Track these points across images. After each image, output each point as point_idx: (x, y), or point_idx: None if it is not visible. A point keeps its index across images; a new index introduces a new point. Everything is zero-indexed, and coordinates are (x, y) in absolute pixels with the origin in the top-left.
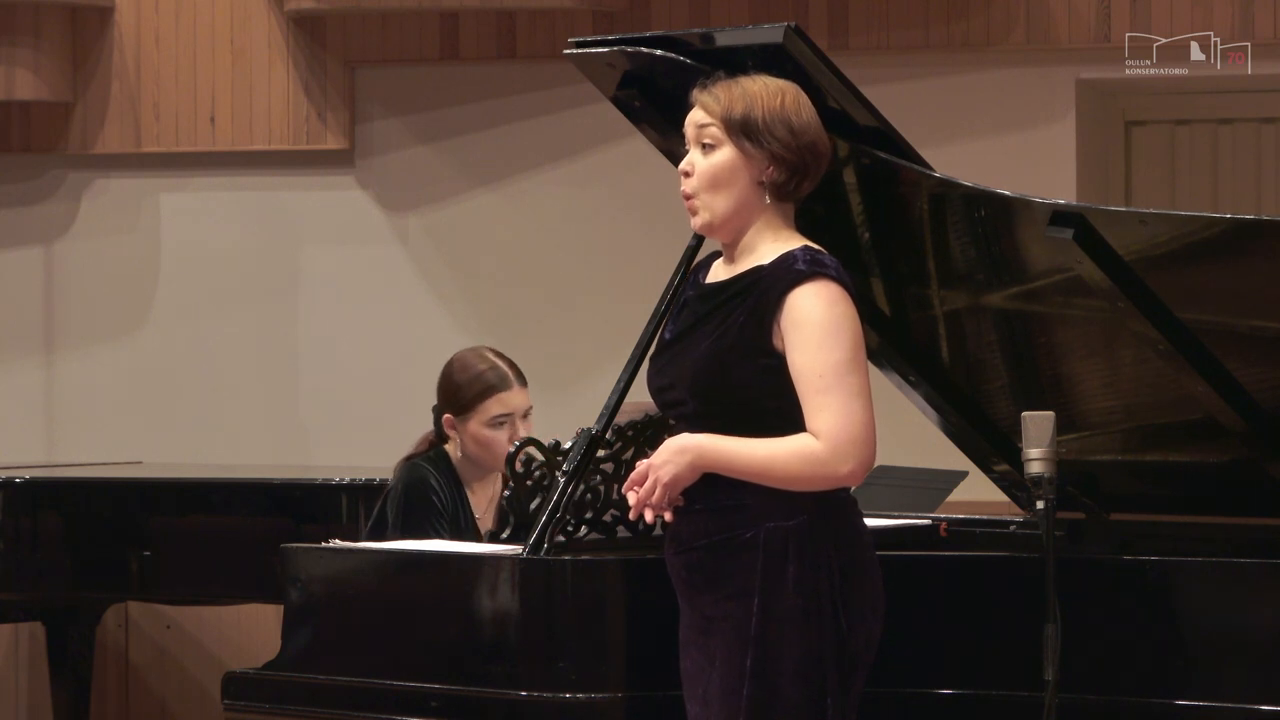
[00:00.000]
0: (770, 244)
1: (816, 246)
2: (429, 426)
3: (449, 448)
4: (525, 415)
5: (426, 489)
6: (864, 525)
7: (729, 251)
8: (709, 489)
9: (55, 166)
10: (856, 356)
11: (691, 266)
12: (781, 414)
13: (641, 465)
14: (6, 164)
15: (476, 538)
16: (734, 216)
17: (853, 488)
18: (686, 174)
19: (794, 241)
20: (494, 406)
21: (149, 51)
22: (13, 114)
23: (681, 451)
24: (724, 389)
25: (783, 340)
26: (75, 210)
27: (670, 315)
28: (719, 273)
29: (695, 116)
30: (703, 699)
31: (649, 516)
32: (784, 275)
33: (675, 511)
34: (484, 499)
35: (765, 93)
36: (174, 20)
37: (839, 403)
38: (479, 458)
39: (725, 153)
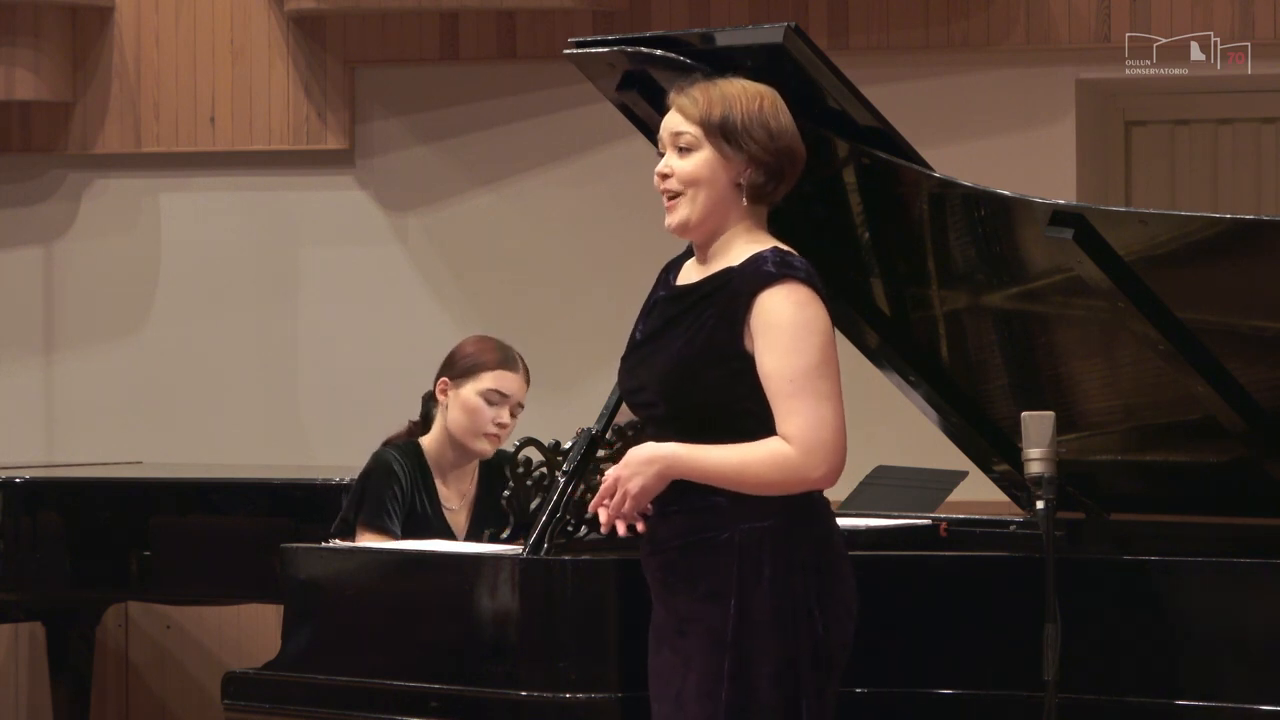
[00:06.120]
0: (742, 245)
1: (787, 248)
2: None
3: (425, 440)
4: (517, 409)
5: (388, 473)
6: (836, 525)
7: (701, 252)
8: (681, 492)
9: (55, 166)
10: (826, 359)
11: (664, 266)
12: (754, 416)
13: (609, 478)
14: (6, 164)
15: (445, 530)
16: (710, 218)
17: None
18: (665, 176)
19: (765, 243)
20: (493, 380)
21: (149, 51)
22: (13, 114)
23: (649, 462)
24: (695, 392)
25: (753, 342)
26: (75, 210)
27: (641, 315)
28: (690, 274)
29: (671, 122)
30: (675, 700)
31: (621, 529)
32: (753, 277)
33: (647, 517)
34: (456, 494)
35: (744, 95)
36: (174, 20)
37: (809, 407)
38: (459, 427)
39: (703, 155)
